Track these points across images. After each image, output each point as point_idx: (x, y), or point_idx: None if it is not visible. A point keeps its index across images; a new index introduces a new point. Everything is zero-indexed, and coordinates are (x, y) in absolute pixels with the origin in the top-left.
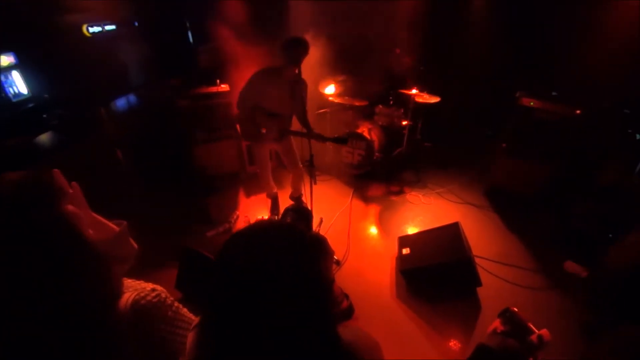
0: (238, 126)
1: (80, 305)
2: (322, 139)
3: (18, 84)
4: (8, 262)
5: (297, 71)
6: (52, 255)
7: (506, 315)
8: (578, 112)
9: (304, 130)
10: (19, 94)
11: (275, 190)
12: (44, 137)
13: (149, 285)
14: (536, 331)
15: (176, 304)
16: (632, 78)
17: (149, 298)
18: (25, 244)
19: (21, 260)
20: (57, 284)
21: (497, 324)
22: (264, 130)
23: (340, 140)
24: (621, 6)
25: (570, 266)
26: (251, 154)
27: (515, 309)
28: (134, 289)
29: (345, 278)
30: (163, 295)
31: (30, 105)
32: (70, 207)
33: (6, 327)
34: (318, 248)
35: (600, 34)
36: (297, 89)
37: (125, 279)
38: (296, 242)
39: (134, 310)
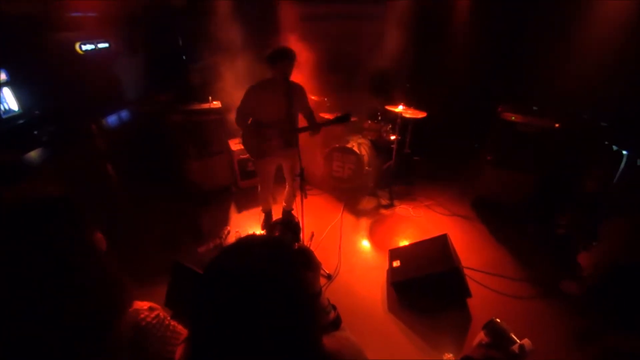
0: (242, 144)
1: (92, 308)
2: (324, 124)
3: (9, 101)
4: (41, 268)
5: (287, 80)
6: (74, 264)
7: (489, 326)
8: (557, 125)
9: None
10: (9, 111)
11: (271, 206)
12: (34, 153)
13: (146, 304)
14: (518, 341)
15: (173, 322)
16: (607, 93)
17: (148, 319)
18: (57, 249)
19: (50, 264)
20: (75, 288)
21: (482, 336)
22: (269, 143)
23: (342, 119)
24: (597, 23)
25: (566, 286)
26: (242, 169)
27: (498, 320)
28: (135, 309)
29: (336, 292)
30: (162, 315)
31: (21, 121)
32: (98, 234)
33: (27, 327)
34: (303, 260)
35: (577, 51)
36: (294, 96)
37: None
38: (280, 254)
39: (135, 330)
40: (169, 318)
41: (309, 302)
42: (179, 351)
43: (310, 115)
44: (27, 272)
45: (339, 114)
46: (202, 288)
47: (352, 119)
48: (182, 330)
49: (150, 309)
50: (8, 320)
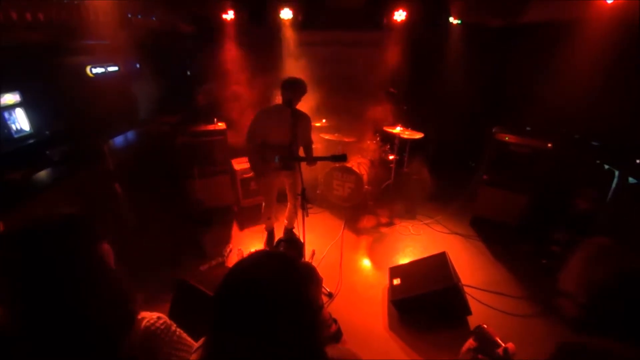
0: (248, 161)
1: (103, 319)
2: (321, 159)
3: (21, 121)
4: (53, 278)
5: (291, 106)
6: (86, 277)
7: (477, 331)
8: (549, 145)
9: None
10: (21, 130)
11: (273, 224)
12: (44, 173)
13: (155, 314)
14: (502, 344)
15: (179, 330)
16: (598, 114)
17: (157, 324)
18: (69, 265)
19: (63, 278)
20: (88, 300)
21: (470, 341)
22: (271, 164)
23: (339, 158)
24: (587, 45)
25: (562, 305)
26: (245, 188)
27: (485, 326)
28: (143, 317)
29: (338, 310)
30: (168, 322)
31: (31, 141)
32: (105, 246)
33: (41, 332)
34: (307, 274)
35: (568, 73)
36: (298, 122)
37: None
38: (288, 268)
39: (145, 335)
40: (175, 326)
41: (315, 312)
42: (193, 357)
43: (308, 146)
44: (42, 288)
45: (339, 135)
46: (219, 297)
47: (352, 139)
48: (187, 337)
49: (159, 318)
50: (25, 333)
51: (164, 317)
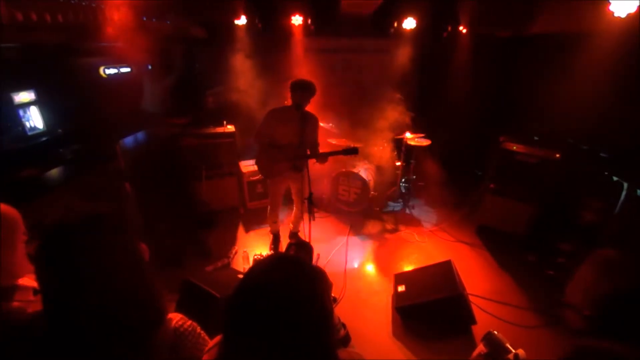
0: (256, 163)
1: (138, 316)
2: (332, 154)
3: (35, 119)
4: (96, 275)
5: (304, 109)
6: (128, 275)
7: (487, 338)
8: (558, 155)
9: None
10: (35, 128)
11: (279, 227)
12: (55, 171)
13: (178, 315)
14: (513, 350)
15: (202, 332)
16: (607, 125)
17: (185, 326)
18: (113, 257)
19: (106, 275)
20: (125, 297)
21: (480, 347)
22: (279, 165)
23: (350, 151)
24: (595, 58)
25: (568, 317)
26: (251, 190)
27: (495, 332)
28: (171, 318)
29: (341, 315)
30: (194, 324)
31: (44, 139)
32: (143, 245)
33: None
34: (320, 277)
35: (577, 83)
36: (306, 123)
37: None
38: (301, 272)
39: (175, 335)
40: (200, 327)
41: (326, 316)
42: (206, 358)
43: (314, 146)
44: (86, 281)
45: (346, 140)
46: (234, 301)
47: (359, 145)
48: (208, 339)
49: (182, 318)
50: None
51: (188, 320)
